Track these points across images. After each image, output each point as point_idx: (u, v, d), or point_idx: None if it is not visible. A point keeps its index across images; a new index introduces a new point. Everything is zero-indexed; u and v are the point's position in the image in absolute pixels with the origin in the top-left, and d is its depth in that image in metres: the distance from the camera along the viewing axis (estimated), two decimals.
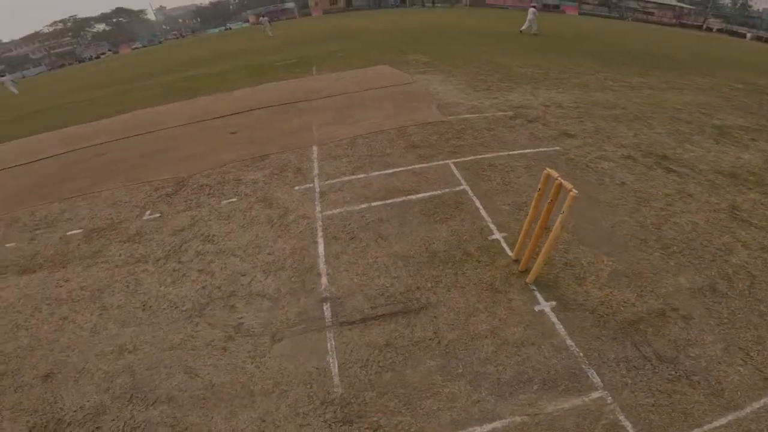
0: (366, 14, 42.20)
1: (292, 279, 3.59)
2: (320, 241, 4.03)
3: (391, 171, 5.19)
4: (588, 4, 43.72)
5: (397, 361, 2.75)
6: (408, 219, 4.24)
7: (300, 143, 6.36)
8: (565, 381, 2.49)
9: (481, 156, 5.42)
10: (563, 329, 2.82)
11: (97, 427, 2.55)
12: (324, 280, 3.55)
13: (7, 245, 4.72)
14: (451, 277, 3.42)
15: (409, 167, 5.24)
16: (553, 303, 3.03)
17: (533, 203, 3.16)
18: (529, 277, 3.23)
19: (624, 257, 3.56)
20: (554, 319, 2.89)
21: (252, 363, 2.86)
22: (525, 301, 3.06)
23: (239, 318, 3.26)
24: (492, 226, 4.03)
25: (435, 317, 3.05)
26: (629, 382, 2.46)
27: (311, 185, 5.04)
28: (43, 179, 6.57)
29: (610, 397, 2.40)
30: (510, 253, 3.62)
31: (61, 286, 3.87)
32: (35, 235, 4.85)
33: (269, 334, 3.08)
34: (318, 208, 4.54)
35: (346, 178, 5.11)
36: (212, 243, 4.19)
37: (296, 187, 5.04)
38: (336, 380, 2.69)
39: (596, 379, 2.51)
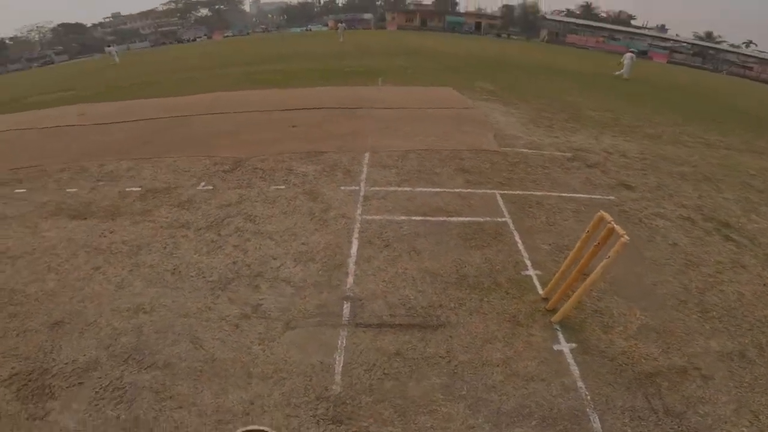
0: (439, 36, 43.03)
1: (320, 272, 3.70)
2: (355, 242, 4.12)
3: (436, 190, 5.20)
4: (680, 53, 41.28)
5: (403, 371, 2.72)
6: (444, 239, 4.22)
7: (354, 147, 6.59)
8: (564, 421, 2.45)
9: (530, 192, 5.28)
10: (577, 371, 2.78)
11: (79, 383, 2.58)
12: (350, 279, 3.62)
13: (68, 190, 5.25)
14: (476, 302, 3.38)
15: (456, 190, 5.22)
16: (574, 345, 2.97)
17: (578, 244, 3.05)
18: (556, 317, 3.15)
19: (658, 314, 3.37)
20: (570, 360, 2.84)
21: (259, 345, 2.91)
22: (545, 338, 3.01)
23: (260, 299, 3.37)
24: (527, 262, 3.92)
25: (451, 337, 3.02)
26: (629, 431, 2.42)
27: (357, 188, 5.19)
28: (124, 138, 7.37)
29: None
30: (540, 291, 3.51)
31: (104, 236, 4.21)
32: (97, 185, 5.38)
33: (284, 320, 3.15)
34: (359, 211, 4.66)
35: (391, 189, 5.20)
36: (253, 222, 4.43)
37: (342, 187, 5.21)
38: (337, 378, 2.69)
39: (596, 424, 2.46)
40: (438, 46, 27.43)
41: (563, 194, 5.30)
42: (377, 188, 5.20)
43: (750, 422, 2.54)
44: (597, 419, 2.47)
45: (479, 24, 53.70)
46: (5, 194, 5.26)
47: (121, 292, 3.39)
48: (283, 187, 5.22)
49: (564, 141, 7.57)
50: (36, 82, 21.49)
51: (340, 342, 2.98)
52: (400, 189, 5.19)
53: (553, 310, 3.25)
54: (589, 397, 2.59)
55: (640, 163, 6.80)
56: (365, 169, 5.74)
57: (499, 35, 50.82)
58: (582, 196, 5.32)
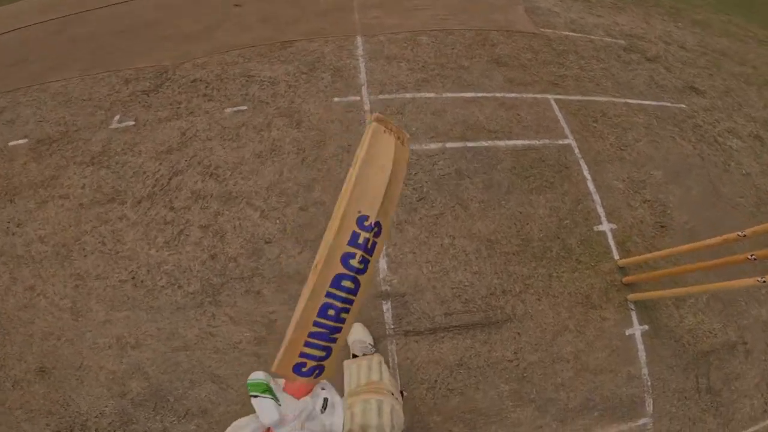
0: None
1: None
2: None
3: (471, 95, 3.68)
4: None
5: (469, 383, 2.39)
6: (496, 179, 3.08)
7: (337, 30, 4.49)
8: (623, 408, 2.46)
9: (590, 98, 3.94)
10: (644, 357, 2.63)
11: None
12: (383, 263, 2.61)
13: None
14: (544, 281, 2.75)
15: (497, 94, 3.74)
16: (646, 327, 2.71)
17: (718, 240, 2.23)
18: (634, 296, 2.75)
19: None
20: (640, 346, 2.66)
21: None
22: (618, 321, 2.69)
23: (269, 312, 2.46)
24: (600, 210, 3.08)
25: (518, 334, 2.56)
26: (673, 411, 2.50)
27: (358, 98, 3.54)
28: None
29: (651, 424, 2.43)
30: (616, 255, 2.92)
31: (12, 234, 2.79)
32: None
33: None
34: None
35: (408, 95, 3.60)
36: (216, 179, 2.95)
37: (336, 99, 3.53)
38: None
39: (649, 408, 2.48)
40: None
41: (629, 100, 4.06)
42: (388, 96, 3.58)
43: (762, 394, 2.64)
44: (651, 404, 2.48)
45: None
46: None
47: (83, 321, 2.52)
48: (244, 107, 3.47)
49: (611, 22, 5.81)
50: None
51: (391, 359, 2.37)
52: (420, 95, 3.62)
53: (630, 284, 2.81)
54: (649, 383, 2.54)
55: (702, 59, 5.46)
56: (362, 65, 3.93)
57: None
58: (651, 103, 4.12)
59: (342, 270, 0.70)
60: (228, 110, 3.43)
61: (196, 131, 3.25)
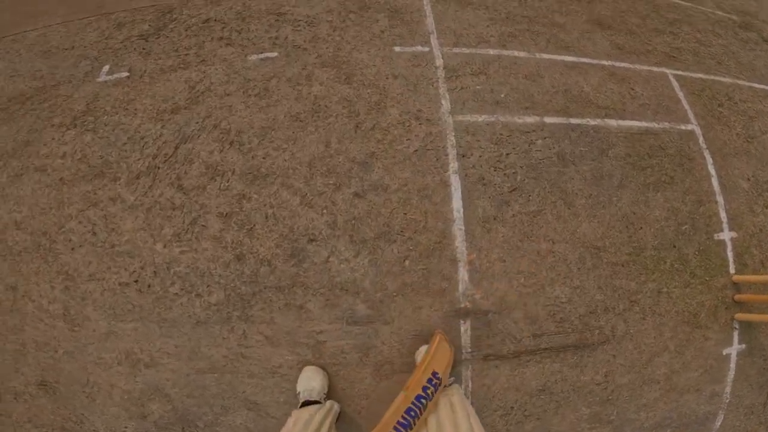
0: None
1: (406, 263, 2.01)
2: (455, 181, 2.21)
3: (572, 59, 2.89)
4: None
5: (549, 409, 2.12)
6: (606, 168, 2.41)
7: None
8: (695, 425, 2.33)
9: (713, 77, 3.20)
10: (732, 376, 2.41)
11: None
12: (463, 272, 2.02)
13: None
14: (652, 297, 2.29)
15: (604, 62, 2.95)
16: (743, 346, 2.45)
17: None
18: (742, 316, 2.46)
19: None
20: (732, 365, 2.42)
21: (350, 407, 2.04)
22: (718, 341, 2.40)
23: (316, 332, 1.97)
24: (723, 215, 2.54)
25: (614, 356, 2.19)
26: (737, 425, 2.40)
27: (426, 50, 2.74)
28: None
29: None
30: (732, 269, 2.46)
31: None
32: None
33: (371, 364, 1.96)
34: (445, 105, 2.46)
35: (492, 52, 2.81)
36: (239, 149, 2.24)
37: (397, 48, 2.73)
38: None
39: (719, 423, 2.36)
40: None
41: (754, 85, 3.34)
42: (465, 50, 2.78)
43: None
44: (722, 418, 2.37)
45: None
46: None
47: (82, 332, 2.06)
48: (274, 54, 2.68)
49: None
50: None
51: (464, 386, 2.02)
52: (507, 53, 2.82)
53: (740, 303, 2.47)
54: (727, 401, 2.38)
55: None
56: (428, 8, 3.08)
57: None
58: None
59: (421, 393, 1.32)
60: (253, 57, 2.65)
61: (210, 84, 2.48)
